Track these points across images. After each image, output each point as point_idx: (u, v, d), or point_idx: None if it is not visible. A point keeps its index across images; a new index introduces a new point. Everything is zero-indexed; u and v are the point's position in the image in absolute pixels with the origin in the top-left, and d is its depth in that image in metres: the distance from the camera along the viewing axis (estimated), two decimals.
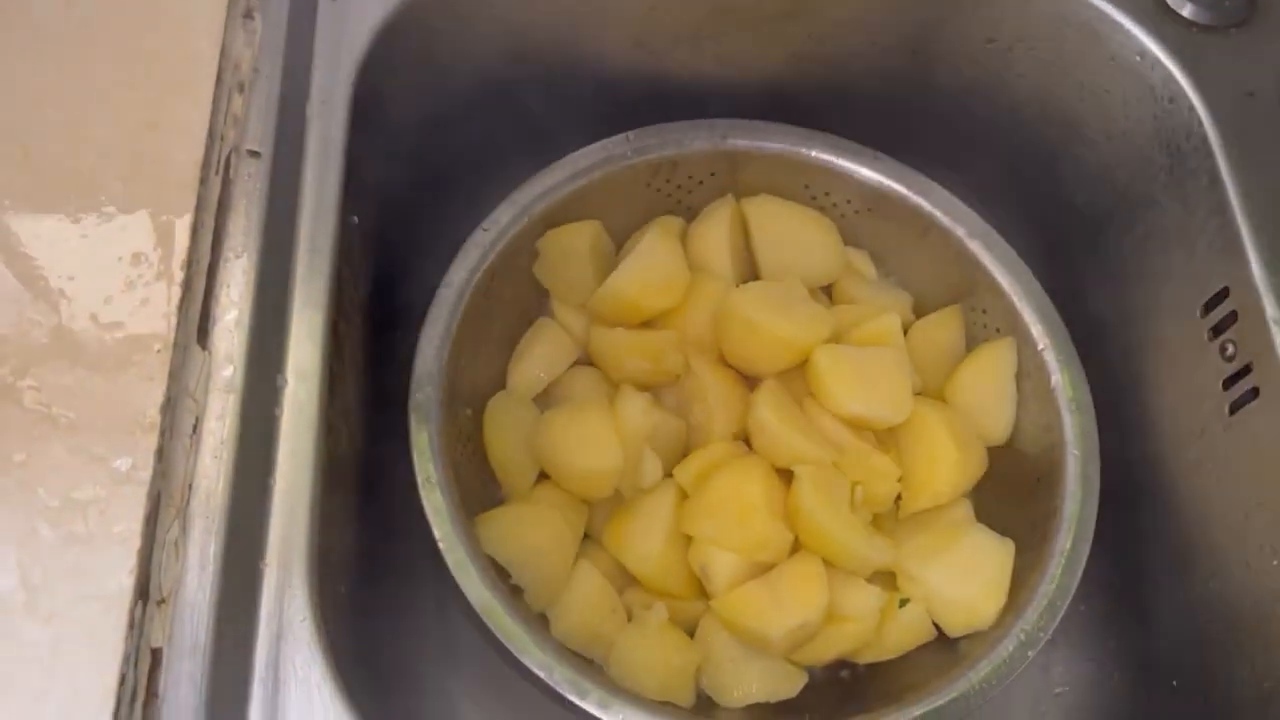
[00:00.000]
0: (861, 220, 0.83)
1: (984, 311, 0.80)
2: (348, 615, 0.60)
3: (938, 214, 0.79)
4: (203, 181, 0.60)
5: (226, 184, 0.61)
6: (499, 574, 0.68)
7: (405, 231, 0.77)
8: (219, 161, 0.61)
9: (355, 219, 0.65)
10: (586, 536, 0.76)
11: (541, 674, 0.63)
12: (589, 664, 0.70)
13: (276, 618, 0.54)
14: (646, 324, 0.78)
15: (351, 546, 0.65)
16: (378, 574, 0.71)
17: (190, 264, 0.57)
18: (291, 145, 0.64)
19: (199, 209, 0.59)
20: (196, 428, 0.56)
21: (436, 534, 0.66)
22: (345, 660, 0.54)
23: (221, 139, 0.61)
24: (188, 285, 0.57)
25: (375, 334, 0.73)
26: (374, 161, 0.69)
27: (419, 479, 0.67)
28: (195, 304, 0.58)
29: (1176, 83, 0.71)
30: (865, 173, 0.80)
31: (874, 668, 0.74)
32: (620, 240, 0.82)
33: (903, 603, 0.73)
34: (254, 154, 0.62)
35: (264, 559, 0.55)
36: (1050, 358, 0.76)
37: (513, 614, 0.64)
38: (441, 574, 0.65)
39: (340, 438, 0.62)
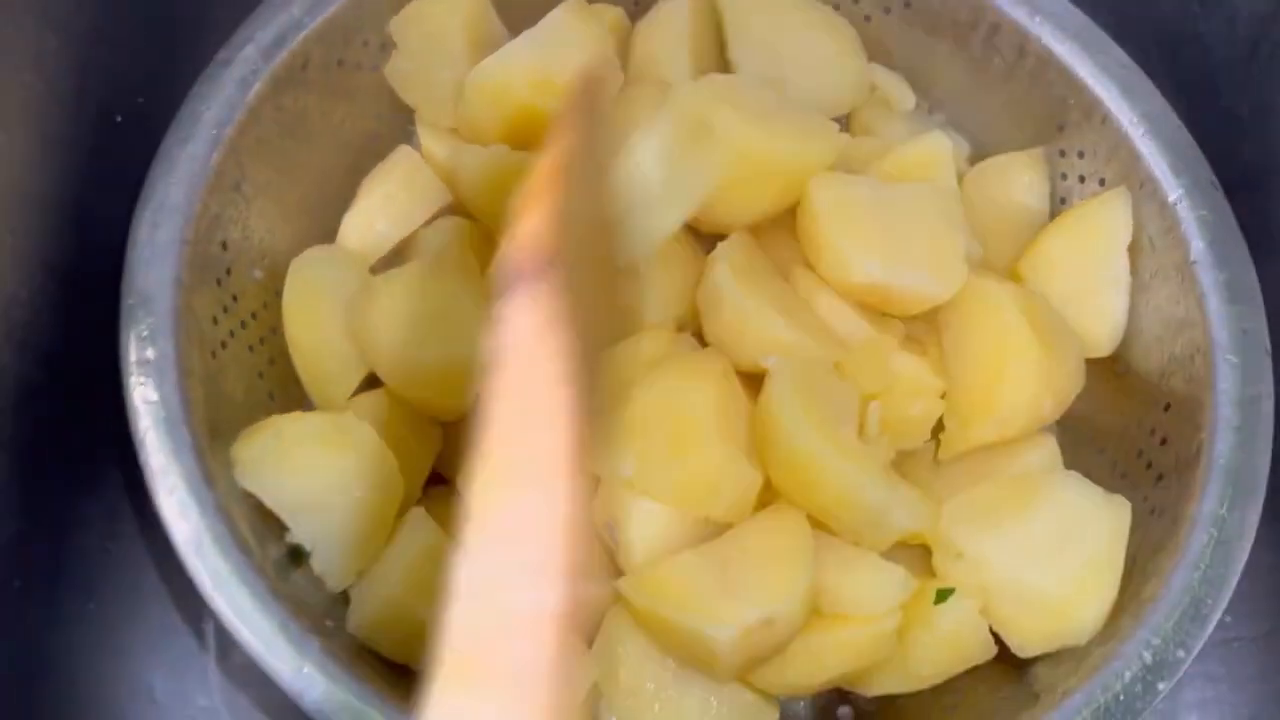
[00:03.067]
0: (895, 23, 0.70)
1: (1080, 155, 0.65)
2: None
3: (1007, 7, 0.65)
4: None
5: None
6: (266, 526, 0.54)
7: None
8: None
9: None
10: (436, 483, 0.60)
11: (292, 692, 0.48)
12: (401, 680, 0.53)
13: None
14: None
15: None
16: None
17: None
18: None
19: None
20: None
21: (146, 461, 0.50)
22: None
23: None
24: None
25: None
26: None
27: (125, 379, 0.51)
28: None
29: None
30: None
31: (892, 704, 0.60)
32: None
33: (942, 596, 0.58)
34: None
35: None
36: (1186, 214, 0.60)
37: (268, 601, 0.49)
38: None
39: None
